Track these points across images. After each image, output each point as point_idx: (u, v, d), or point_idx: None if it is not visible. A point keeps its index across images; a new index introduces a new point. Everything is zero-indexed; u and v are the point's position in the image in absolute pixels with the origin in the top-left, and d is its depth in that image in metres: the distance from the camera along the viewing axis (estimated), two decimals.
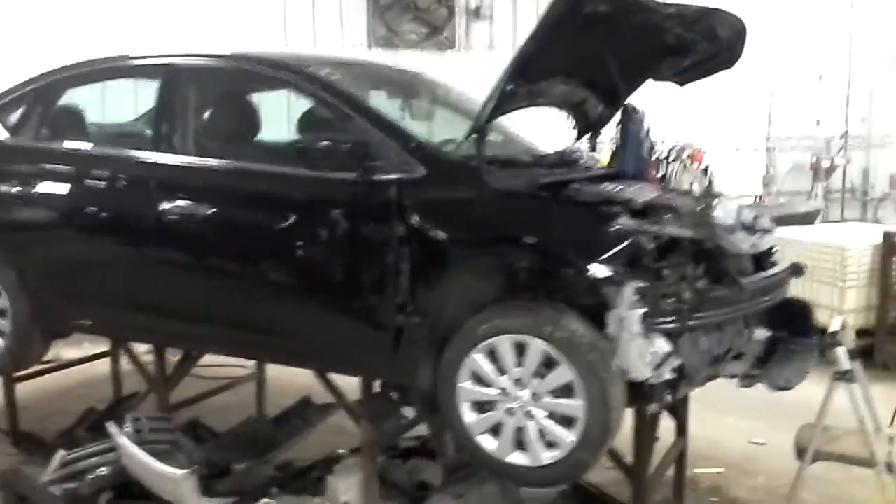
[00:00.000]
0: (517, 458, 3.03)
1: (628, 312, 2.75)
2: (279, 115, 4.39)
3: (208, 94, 3.86)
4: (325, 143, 3.16)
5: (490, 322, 3.01)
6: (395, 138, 3.24)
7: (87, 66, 4.14)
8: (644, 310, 2.74)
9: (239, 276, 3.53)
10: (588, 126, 4.11)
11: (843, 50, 9.05)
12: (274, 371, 5.34)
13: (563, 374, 2.89)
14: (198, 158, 3.66)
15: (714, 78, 3.74)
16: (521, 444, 3.03)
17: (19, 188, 4.03)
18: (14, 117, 4.27)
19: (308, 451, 4.59)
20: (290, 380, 5.51)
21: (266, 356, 3.80)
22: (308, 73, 3.51)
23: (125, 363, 5.70)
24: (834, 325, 3.34)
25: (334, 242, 3.24)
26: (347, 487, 3.95)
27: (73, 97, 4.27)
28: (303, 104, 4.28)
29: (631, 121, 3.84)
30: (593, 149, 4.16)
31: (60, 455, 3.84)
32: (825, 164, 8.83)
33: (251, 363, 5.35)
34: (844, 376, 3.21)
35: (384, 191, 3.16)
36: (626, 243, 2.83)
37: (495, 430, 3.07)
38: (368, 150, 3.18)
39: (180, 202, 3.57)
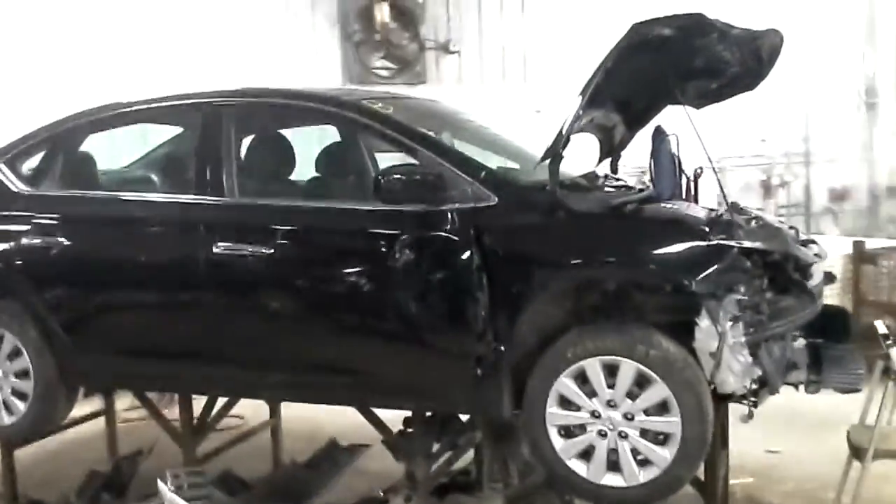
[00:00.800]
0: (611, 480, 3.03)
1: (727, 326, 2.82)
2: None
3: (258, 132, 3.79)
4: (396, 176, 3.13)
5: (580, 345, 3.03)
6: (463, 169, 3.24)
7: (110, 111, 3.99)
8: (742, 322, 2.81)
9: (308, 316, 3.43)
10: (610, 150, 4.21)
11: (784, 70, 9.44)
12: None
13: (658, 392, 2.93)
14: (257, 199, 3.59)
15: None
16: (612, 466, 3.04)
17: (45, 241, 3.81)
18: (29, 166, 4.07)
19: (335, 495, 4.48)
20: (298, 426, 5.41)
21: (336, 398, 3.67)
22: (368, 109, 3.47)
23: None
24: (881, 329, 3.49)
25: (408, 275, 3.20)
26: None
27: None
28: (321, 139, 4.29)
29: (664, 143, 3.94)
30: (615, 171, 4.26)
31: None
32: (775, 181, 9.25)
33: (249, 412, 5.21)
34: None
35: (457, 220, 3.16)
36: (725, 258, 2.90)
37: (584, 454, 3.08)
38: (439, 181, 3.16)
39: (241, 245, 3.44)
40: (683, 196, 3.98)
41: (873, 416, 3.72)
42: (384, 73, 7.73)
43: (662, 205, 3.42)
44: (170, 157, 4.28)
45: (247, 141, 3.79)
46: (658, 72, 3.51)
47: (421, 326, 3.22)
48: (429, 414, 3.90)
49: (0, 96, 6.63)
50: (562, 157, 3.17)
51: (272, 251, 3.42)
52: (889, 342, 3.40)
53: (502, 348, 3.12)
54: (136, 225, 3.74)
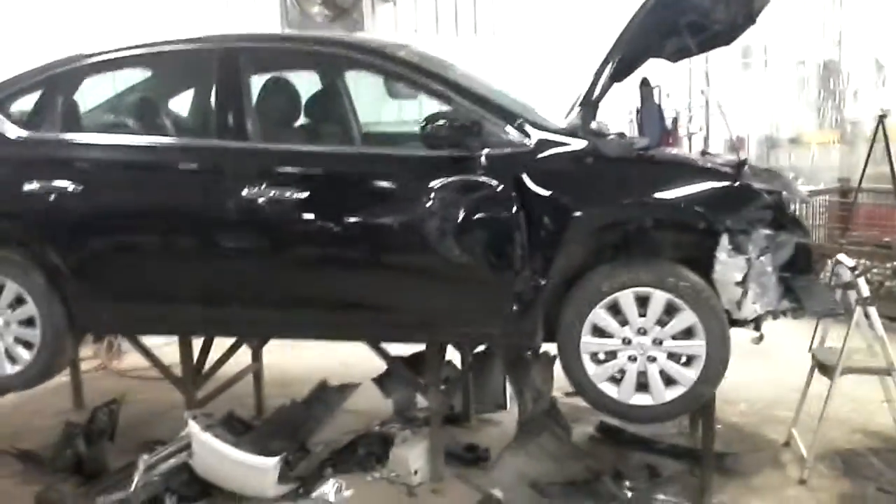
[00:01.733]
0: (640, 400, 3.36)
1: (755, 258, 3.17)
2: None
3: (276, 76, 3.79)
4: (441, 123, 3.27)
5: (615, 279, 3.31)
6: (499, 115, 3.42)
7: (110, 54, 3.88)
8: (768, 255, 3.17)
9: (348, 257, 3.52)
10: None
11: None
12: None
13: (687, 319, 3.27)
14: (285, 144, 3.63)
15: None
16: (640, 387, 3.37)
17: (53, 186, 3.70)
18: (21, 108, 3.91)
19: (330, 433, 4.62)
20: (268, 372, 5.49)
21: (375, 335, 3.82)
22: (400, 57, 3.56)
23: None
24: (847, 262, 3.97)
25: (450, 216, 3.36)
26: (417, 457, 4.10)
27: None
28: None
29: (650, 95, 4.25)
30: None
31: (144, 459, 3.64)
32: (682, 132, 9.83)
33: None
34: (867, 301, 3.84)
35: (497, 165, 3.34)
36: (753, 198, 3.23)
37: (614, 377, 3.39)
38: (480, 128, 3.32)
39: (276, 189, 3.49)
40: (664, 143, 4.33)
41: (830, 340, 4.23)
42: (320, 19, 7.66)
43: (672, 151, 3.73)
44: (145, 101, 4.20)
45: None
46: (654, 26, 3.75)
47: (463, 265, 3.39)
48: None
49: None
50: (596, 106, 3.40)
51: (309, 195, 3.48)
52: (857, 273, 3.87)
53: (541, 283, 3.35)
54: (152, 169, 3.71)
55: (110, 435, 4.62)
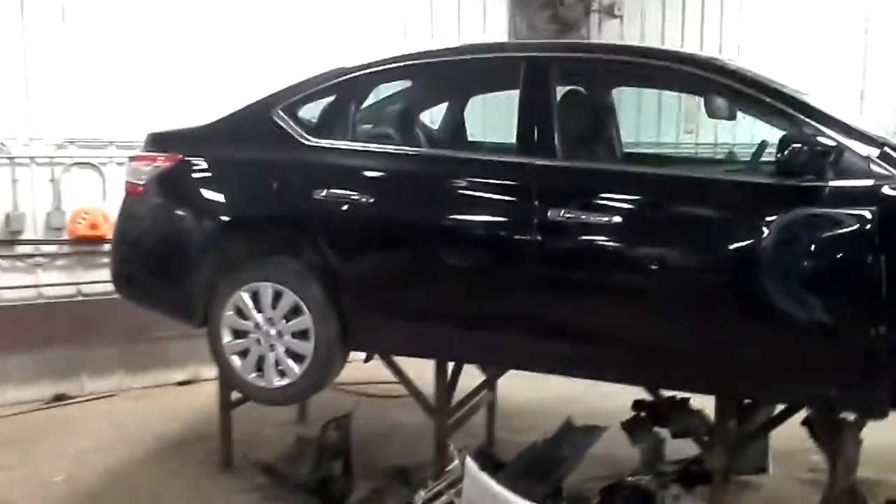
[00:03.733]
0: None
1: None
2: None
3: (594, 91, 3.50)
4: (789, 149, 2.85)
5: None
6: (860, 142, 2.96)
7: (402, 62, 3.72)
8: None
9: (655, 290, 3.15)
10: None
11: None
12: None
13: None
14: (595, 164, 3.36)
15: None
16: None
17: (341, 196, 3.53)
18: (310, 115, 3.79)
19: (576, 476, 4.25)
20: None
21: (666, 380, 3.43)
22: (745, 76, 3.17)
23: None
24: None
25: (793, 254, 2.94)
26: None
27: None
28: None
29: None
30: None
31: (421, 496, 3.42)
32: None
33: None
34: None
35: (855, 197, 2.89)
36: None
37: None
38: (838, 154, 2.89)
39: (583, 213, 3.18)
40: None
41: None
42: (547, 32, 7.43)
43: None
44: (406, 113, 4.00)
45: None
46: None
47: (803, 311, 2.95)
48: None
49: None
50: None
51: (622, 221, 3.14)
52: None
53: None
54: (449, 186, 3.46)
55: (347, 455, 4.45)
